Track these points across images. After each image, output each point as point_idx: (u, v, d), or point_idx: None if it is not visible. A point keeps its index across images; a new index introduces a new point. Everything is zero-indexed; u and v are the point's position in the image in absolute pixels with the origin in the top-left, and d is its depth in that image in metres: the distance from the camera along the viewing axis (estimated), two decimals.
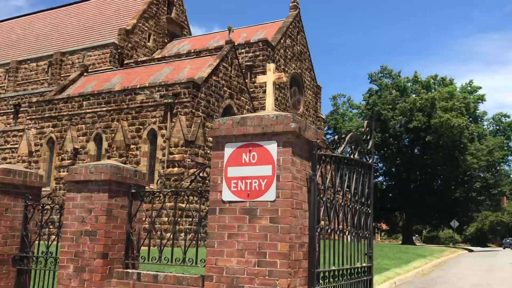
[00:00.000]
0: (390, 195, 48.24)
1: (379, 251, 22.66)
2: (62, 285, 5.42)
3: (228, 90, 26.59)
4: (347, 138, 5.87)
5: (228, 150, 4.75)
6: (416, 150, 44.78)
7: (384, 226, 61.86)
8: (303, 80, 35.67)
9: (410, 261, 18.33)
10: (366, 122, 6.47)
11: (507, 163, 45.14)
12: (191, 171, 22.51)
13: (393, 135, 43.97)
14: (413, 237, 55.91)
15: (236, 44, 29.62)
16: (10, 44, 44.87)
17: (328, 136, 45.77)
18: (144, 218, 5.94)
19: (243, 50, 31.57)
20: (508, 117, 46.35)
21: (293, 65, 34.26)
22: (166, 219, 21.14)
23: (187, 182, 5.53)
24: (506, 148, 44.29)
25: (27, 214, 6.40)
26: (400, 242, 48.08)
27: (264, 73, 28.30)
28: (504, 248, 55.32)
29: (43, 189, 7.00)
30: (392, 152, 44.84)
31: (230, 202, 4.64)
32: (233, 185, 4.65)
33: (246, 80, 29.41)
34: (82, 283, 5.29)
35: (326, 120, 45.14)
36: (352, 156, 5.77)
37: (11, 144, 31.47)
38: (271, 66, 5.11)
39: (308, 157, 4.83)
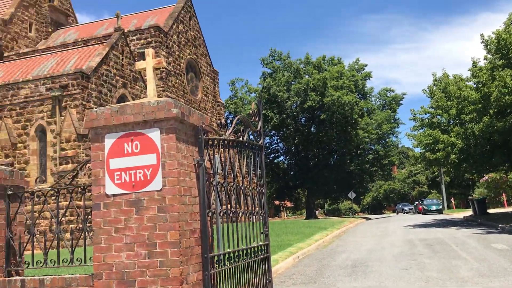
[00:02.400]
0: (292, 173, 50.06)
1: (284, 228, 23.47)
2: None
3: (121, 79, 25.57)
4: (234, 121, 5.90)
5: (109, 141, 4.54)
6: (312, 128, 46.77)
7: (288, 204, 64.24)
8: (199, 66, 35.41)
9: (312, 235, 19.21)
10: (253, 103, 6.55)
11: (394, 135, 48.80)
12: (87, 167, 21.43)
13: (290, 115, 45.49)
14: (316, 211, 58.72)
15: (126, 31, 28.50)
16: None
17: (229, 122, 46.01)
18: (25, 221, 5.51)
19: (134, 37, 30.48)
20: (393, 91, 50.08)
21: (188, 50, 33.84)
22: (50, 219, 19.97)
23: (68, 179, 5.21)
24: (392, 120, 47.84)
25: None
26: (304, 217, 50.25)
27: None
28: (397, 214, 60.20)
29: None
30: (290, 132, 46.43)
31: (114, 195, 4.45)
32: (117, 177, 4.46)
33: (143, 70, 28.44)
34: None
35: (225, 105, 45.37)
36: (241, 139, 5.82)
37: None
38: (149, 51, 4.95)
39: (195, 142, 4.78)
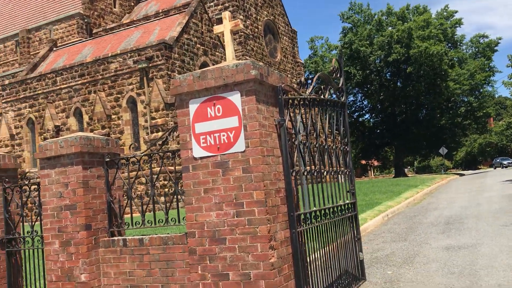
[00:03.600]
0: (378, 131, 48.68)
1: (371, 187, 23.09)
2: (50, 261, 5.45)
3: (202, 47, 26.08)
4: (314, 78, 5.80)
5: (193, 107, 4.68)
6: (398, 83, 44.79)
7: (375, 163, 62.82)
8: (277, 27, 35.03)
9: (401, 193, 18.72)
10: (333, 59, 6.38)
11: (489, 84, 45.38)
12: (176, 133, 22.40)
13: (374, 70, 43.83)
14: (405, 169, 56.95)
15: None
16: None
17: (309, 81, 45.44)
18: (123, 185, 5.91)
19: (212, 3, 30.76)
20: (487, 37, 46.19)
21: (265, 12, 33.53)
22: (145, 184, 21.24)
23: (159, 145, 5.48)
24: (487, 69, 44.42)
25: (7, 197, 6.35)
26: (393, 176, 48.99)
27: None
28: (494, 168, 56.64)
29: (32, 170, 6.90)
30: (375, 88, 44.84)
31: (201, 158, 4.61)
32: (202, 141, 4.60)
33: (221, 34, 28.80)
34: (70, 257, 5.32)
35: (305, 64, 44.75)
36: (322, 97, 5.72)
37: None
38: (226, 14, 4.95)
39: (275, 103, 4.78)
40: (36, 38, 36.39)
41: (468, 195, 17.11)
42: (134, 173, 6.02)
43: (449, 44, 44.44)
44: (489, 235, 8.55)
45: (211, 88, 4.58)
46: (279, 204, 4.58)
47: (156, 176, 5.69)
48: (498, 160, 59.14)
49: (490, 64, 45.31)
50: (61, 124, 26.27)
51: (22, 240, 6.29)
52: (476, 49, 46.30)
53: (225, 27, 4.88)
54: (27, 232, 6.17)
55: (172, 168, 5.47)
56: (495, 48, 45.59)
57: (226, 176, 4.48)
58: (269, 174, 4.46)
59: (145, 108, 23.66)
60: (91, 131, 24.52)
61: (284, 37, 35.96)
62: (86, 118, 25.49)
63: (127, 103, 24.37)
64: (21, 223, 6.33)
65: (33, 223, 6.07)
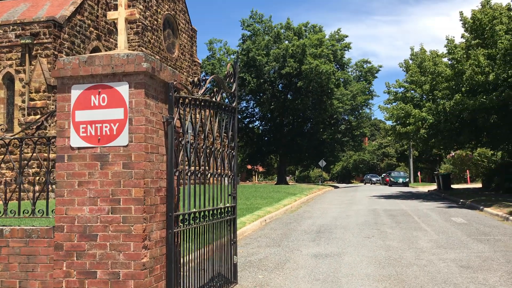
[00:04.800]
0: (266, 138, 50.25)
1: (254, 191, 23.70)
2: None
3: (95, 31, 24.77)
4: (208, 80, 5.79)
5: (76, 92, 4.40)
6: (289, 95, 46.69)
7: (260, 168, 64.73)
8: (177, 23, 34.55)
9: (281, 200, 19.47)
10: (229, 64, 6.43)
11: (368, 106, 49.21)
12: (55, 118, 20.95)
13: (268, 80, 45.22)
14: (287, 177, 59.43)
15: None
16: None
17: (202, 82, 45.42)
18: None
19: None
20: (369, 63, 50.15)
21: (166, 6, 32.89)
22: (14, 170, 19.62)
23: (31, 128, 5.06)
24: (367, 92, 48.15)
25: None
26: (275, 182, 50.84)
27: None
28: (365, 184, 61.51)
29: None
30: (267, 97, 46.25)
31: (79, 148, 4.35)
32: (82, 130, 4.34)
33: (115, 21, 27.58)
34: None
35: (202, 65, 44.70)
36: (214, 99, 5.72)
37: None
38: (122, 1, 4.74)
39: (165, 100, 4.67)
40: None
41: (339, 207, 18.33)
42: (1, 157, 5.49)
43: (337, 65, 47.43)
44: (353, 245, 9.23)
45: (97, 75, 4.34)
46: (158, 203, 4.48)
47: (27, 162, 5.24)
48: (368, 177, 64.38)
49: (370, 88, 49.26)
50: None
51: None
52: (360, 73, 50.04)
53: (120, 14, 4.67)
54: None
55: (46, 155, 5.08)
56: (376, 74, 49.70)
57: (105, 170, 4.27)
58: (151, 172, 4.35)
59: (23, 87, 21.79)
60: None
61: (184, 34, 35.58)
62: None
63: (3, 79, 22.25)
64: None
65: None
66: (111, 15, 4.82)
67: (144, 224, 4.18)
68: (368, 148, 77.95)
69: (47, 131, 20.41)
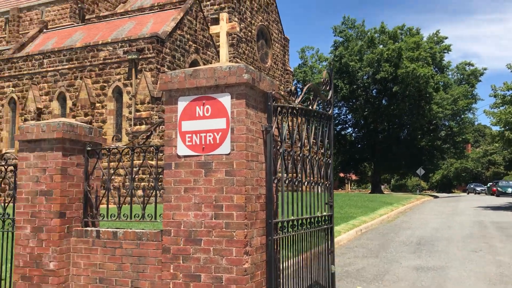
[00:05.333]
0: (359, 146, 49.16)
1: (347, 200, 23.27)
2: (20, 245, 5.35)
3: (194, 45, 26.01)
4: (304, 89, 5.82)
5: (182, 104, 4.65)
6: (383, 101, 45.34)
7: (353, 177, 63.37)
8: (270, 33, 35.15)
9: (376, 209, 18.91)
10: (324, 72, 6.42)
11: (471, 111, 46.24)
12: (160, 128, 22.27)
13: (361, 86, 44.30)
14: (382, 186, 57.56)
15: None
16: None
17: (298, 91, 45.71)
18: (101, 176, 5.84)
19: (208, 3, 30.71)
20: (472, 65, 47.17)
21: (260, 17, 33.63)
22: (123, 176, 21.00)
23: (143, 138, 5.44)
24: (470, 96, 45.26)
25: None
26: (369, 191, 49.46)
27: None
28: (467, 193, 57.63)
29: (8, 150, 6.76)
30: (360, 103, 45.31)
31: (185, 156, 4.59)
32: (188, 139, 4.58)
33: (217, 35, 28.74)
34: (40, 243, 5.23)
35: (294, 73, 44.98)
36: (310, 107, 5.75)
37: None
38: (224, 16, 4.95)
39: (264, 109, 4.78)
40: (27, 18, 35.82)
41: (441, 218, 17.36)
42: (113, 164, 5.95)
43: (436, 69, 45.18)
44: (458, 259, 8.69)
45: (202, 87, 4.57)
46: (258, 210, 4.58)
47: (137, 169, 5.64)
48: (472, 186, 60.20)
49: (473, 92, 46.21)
50: (43, 107, 25.87)
51: None
52: (461, 76, 47.20)
53: (222, 28, 4.87)
54: None
55: (153, 162, 5.41)
56: (480, 77, 46.54)
57: (208, 177, 4.47)
58: (252, 179, 4.46)
59: (130, 99, 23.46)
60: (74, 117, 24.19)
61: (276, 44, 36.10)
62: (69, 103, 25.15)
63: (112, 92, 24.13)
64: None
65: (6, 205, 5.95)
66: (213, 29, 5.04)
67: (245, 230, 4.30)
68: (471, 155, 72.99)
69: (151, 140, 21.76)
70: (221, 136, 4.45)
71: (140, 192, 19.67)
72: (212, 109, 4.52)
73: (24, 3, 36.80)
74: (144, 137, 5.56)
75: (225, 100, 4.46)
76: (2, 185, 6.14)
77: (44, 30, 31.19)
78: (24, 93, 26.47)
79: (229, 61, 26.24)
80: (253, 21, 32.21)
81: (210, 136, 4.50)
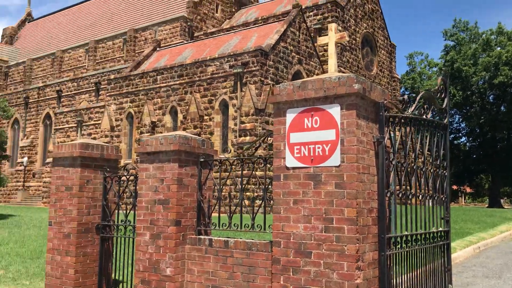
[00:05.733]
0: (474, 156, 45.75)
1: (462, 215, 21.69)
2: (140, 251, 5.71)
3: (297, 56, 26.19)
4: (418, 98, 5.54)
5: (290, 116, 4.67)
6: (502, 107, 41.78)
7: (468, 190, 59.02)
8: (375, 40, 34.27)
9: (496, 225, 17.39)
10: (439, 79, 6.07)
11: None
12: (267, 140, 22.67)
13: (476, 92, 41.30)
14: (501, 200, 52.90)
15: (303, 7, 28.95)
16: (88, 25, 47.11)
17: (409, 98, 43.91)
18: (213, 186, 6.06)
19: (311, 13, 30.80)
20: None
21: (364, 24, 32.95)
22: (234, 186, 21.58)
23: (252, 150, 5.54)
24: None
25: (106, 185, 6.76)
26: (486, 205, 45.69)
27: None
28: None
29: (126, 161, 7.33)
30: (475, 110, 42.22)
31: (294, 168, 4.58)
32: (296, 151, 4.58)
33: (315, 44, 28.75)
34: (158, 249, 5.54)
35: (402, 80, 43.28)
36: (424, 116, 5.46)
37: (94, 120, 33.44)
38: (332, 26, 4.90)
39: (375, 119, 4.63)
40: (142, 37, 38.75)
41: None
42: (223, 175, 6.14)
43: None
44: None
45: (310, 99, 4.54)
46: (370, 224, 4.42)
47: (246, 180, 5.77)
48: None
49: None
50: (157, 120, 27.68)
51: (115, 227, 6.67)
52: None
53: (330, 39, 4.82)
54: (121, 221, 6.52)
55: (261, 173, 5.49)
56: None
57: (318, 189, 4.41)
58: (363, 192, 4.33)
59: (236, 111, 24.22)
60: (184, 129, 25.57)
61: (382, 51, 35.08)
62: (180, 116, 26.64)
63: (219, 105, 25.12)
64: (116, 211, 6.72)
65: (127, 212, 6.41)
66: (321, 40, 5.01)
67: (357, 244, 4.16)
68: None
69: (254, 151, 22.25)
70: (330, 148, 4.38)
71: (247, 202, 20.16)
72: (321, 120, 4.47)
73: (139, 24, 39.92)
74: (253, 149, 5.66)
75: (335, 111, 4.39)
76: (125, 194, 6.61)
77: (158, 49, 33.50)
78: (140, 107, 28.57)
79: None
80: (357, 29, 31.65)
81: (319, 147, 4.45)
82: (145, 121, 27.81)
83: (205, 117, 25.64)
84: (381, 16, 35.72)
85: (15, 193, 39.20)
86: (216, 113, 25.21)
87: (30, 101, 40.74)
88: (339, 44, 28.61)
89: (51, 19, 54.59)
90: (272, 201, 4.80)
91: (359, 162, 4.29)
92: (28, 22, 57.59)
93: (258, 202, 19.83)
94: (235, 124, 24.21)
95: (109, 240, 6.76)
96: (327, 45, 5.02)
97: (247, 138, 23.13)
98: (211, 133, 25.10)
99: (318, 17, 30.47)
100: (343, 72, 25.85)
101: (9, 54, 52.28)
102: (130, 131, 29.38)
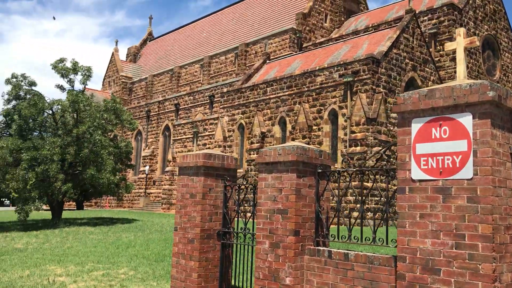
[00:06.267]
0: None
1: None
2: (260, 259, 5.85)
3: (411, 62, 25.17)
4: None
5: (416, 126, 4.49)
6: None
7: None
8: (498, 42, 31.74)
9: None
10: None
11: None
12: (374, 149, 22.05)
13: None
14: None
15: (417, 12, 27.78)
16: (202, 42, 49.85)
17: None
18: (330, 197, 6.02)
19: (425, 18, 29.45)
20: None
21: (485, 26, 30.70)
22: (352, 198, 21.16)
23: (372, 161, 5.43)
24: None
25: (226, 194, 7.05)
26: None
27: (450, 39, 26.01)
28: None
29: (238, 171, 7.61)
30: None
31: (420, 180, 4.39)
32: (423, 163, 4.38)
33: (430, 50, 27.40)
34: (277, 258, 5.63)
35: None
36: None
37: (208, 131, 35.15)
38: (460, 31, 4.63)
39: (511, 128, 4.28)
40: (252, 51, 40.00)
41: None
42: (340, 185, 6.08)
43: None
44: None
45: (438, 107, 4.33)
46: (508, 242, 4.07)
47: (368, 191, 5.66)
48: None
49: None
50: (266, 131, 28.30)
51: (235, 235, 6.92)
52: None
53: (459, 44, 4.57)
54: (240, 228, 6.75)
55: (381, 185, 5.33)
56: None
57: (447, 203, 4.18)
58: (499, 208, 4.01)
59: (345, 121, 23.89)
60: (293, 139, 25.81)
61: (506, 54, 32.36)
62: (289, 127, 26.95)
63: (328, 115, 24.97)
64: (235, 219, 6.97)
65: (247, 220, 6.61)
66: (448, 46, 4.76)
67: (493, 264, 3.86)
68: None
69: (366, 161, 21.71)
70: (461, 160, 4.13)
71: (368, 214, 19.72)
72: (450, 130, 4.24)
73: (250, 38, 41.27)
74: (374, 159, 5.54)
75: (466, 120, 4.14)
76: (243, 203, 6.84)
77: (267, 61, 34.32)
78: (250, 119, 29.43)
79: (449, 77, 24.30)
80: (477, 32, 29.59)
81: (448, 159, 4.22)
82: (255, 132, 28.55)
83: (314, 127, 25.63)
84: (505, 16, 33.02)
85: (137, 199, 42.50)
86: (325, 123, 25.09)
87: (151, 114, 44.04)
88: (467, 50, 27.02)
89: (169, 37, 58.73)
90: (394, 214, 4.64)
91: (494, 175, 3.99)
92: (149, 41, 62.52)
93: (378, 214, 19.26)
94: (345, 134, 23.87)
95: (229, 247, 7.02)
96: (454, 51, 4.75)
97: (358, 148, 22.66)
98: (320, 143, 25.01)
99: (433, 21, 29.01)
100: (482, 80, 24.11)
101: (133, 71, 57.15)
102: (241, 141, 30.37)
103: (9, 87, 22.05)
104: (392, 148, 19.93)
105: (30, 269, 9.53)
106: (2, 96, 22.31)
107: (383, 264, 4.80)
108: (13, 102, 22.48)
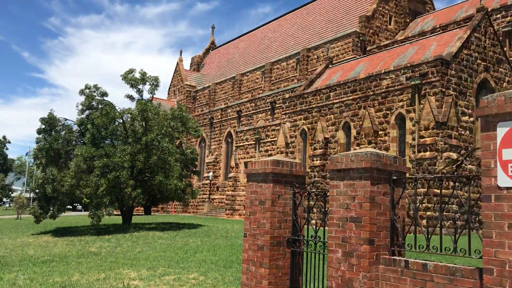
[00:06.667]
0: None
1: None
2: (332, 268, 5.73)
3: (483, 63, 23.94)
4: None
5: (502, 130, 4.22)
6: None
7: None
8: None
9: None
10: None
11: None
12: (444, 154, 21.11)
13: None
14: None
15: (489, 10, 26.43)
16: (263, 48, 50.23)
17: None
18: (406, 205, 5.80)
19: (498, 16, 27.96)
20: None
21: None
22: (429, 205, 20.28)
23: (451, 168, 5.16)
24: None
25: (296, 201, 6.99)
26: None
27: None
28: None
29: None
30: None
31: (507, 188, 4.11)
32: (510, 169, 4.10)
33: (505, 49, 25.94)
34: (351, 268, 5.48)
35: None
36: None
37: (270, 138, 35.25)
38: None
39: None
40: (314, 56, 39.75)
41: None
42: (418, 192, 5.83)
43: None
44: None
45: None
46: None
47: (447, 200, 5.39)
48: None
49: None
50: (329, 137, 27.94)
51: (305, 242, 6.83)
52: None
53: None
54: (310, 236, 6.65)
55: (459, 192, 5.06)
56: None
57: None
58: None
59: (413, 126, 23.09)
60: (358, 145, 25.29)
61: None
62: (353, 132, 26.45)
63: (395, 120, 24.25)
64: (305, 227, 6.89)
65: (317, 228, 6.51)
66: None
67: None
68: None
69: (435, 167, 20.82)
70: None
71: (448, 224, 18.91)
72: None
73: (311, 43, 41.05)
74: (454, 166, 5.27)
75: None
76: (313, 210, 6.78)
77: (330, 66, 33.96)
78: (313, 124, 29.19)
79: None
80: None
81: None
82: (318, 138, 28.27)
83: (380, 132, 24.98)
84: None
85: (202, 205, 43.37)
86: (392, 127, 24.38)
87: (214, 121, 44.89)
88: None
89: (230, 46, 59.74)
90: (475, 223, 4.37)
91: None
92: (211, 50, 63.91)
93: (458, 223, 18.39)
94: (413, 139, 23.06)
95: (299, 255, 6.95)
96: None
97: (427, 154, 21.81)
98: (387, 149, 24.31)
99: (508, 18, 27.46)
100: None
101: (197, 80, 58.62)
102: (304, 148, 30.18)
103: (82, 98, 23.29)
104: (462, 152, 18.89)
105: (106, 272, 9.94)
106: (77, 107, 23.58)
107: (466, 276, 4.53)
108: (87, 112, 23.69)
